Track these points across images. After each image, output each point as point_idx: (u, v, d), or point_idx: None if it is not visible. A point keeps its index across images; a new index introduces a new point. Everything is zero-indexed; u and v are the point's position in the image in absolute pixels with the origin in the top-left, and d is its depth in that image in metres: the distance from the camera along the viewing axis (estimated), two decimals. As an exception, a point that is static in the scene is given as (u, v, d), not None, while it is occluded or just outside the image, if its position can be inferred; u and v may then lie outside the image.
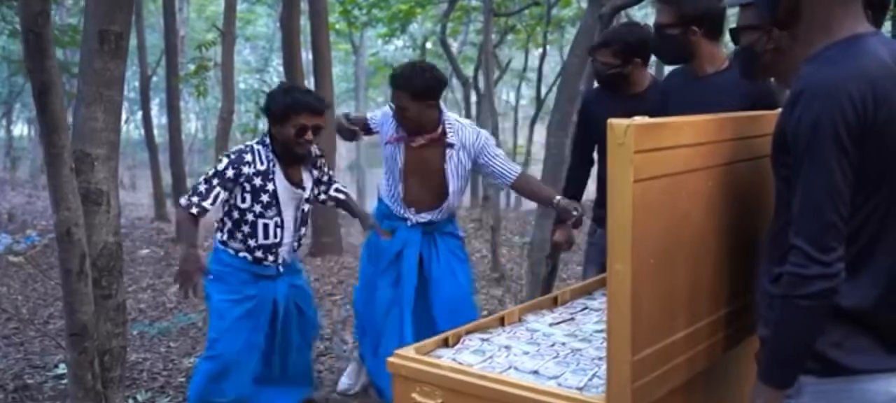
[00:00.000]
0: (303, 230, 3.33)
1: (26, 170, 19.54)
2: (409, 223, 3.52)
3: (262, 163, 3.13)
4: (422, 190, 3.48)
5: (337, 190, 3.50)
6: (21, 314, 5.73)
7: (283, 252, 3.26)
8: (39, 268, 7.36)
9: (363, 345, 3.74)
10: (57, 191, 2.54)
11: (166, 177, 10.74)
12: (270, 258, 3.22)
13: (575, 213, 3.19)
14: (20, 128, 23.59)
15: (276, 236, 3.19)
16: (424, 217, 3.51)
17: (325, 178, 3.46)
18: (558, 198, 3.29)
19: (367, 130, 3.66)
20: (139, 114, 14.72)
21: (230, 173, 3.08)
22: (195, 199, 3.06)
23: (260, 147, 3.16)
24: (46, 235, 8.86)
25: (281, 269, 3.27)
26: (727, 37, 3.01)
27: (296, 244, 3.33)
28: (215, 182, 3.07)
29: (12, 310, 5.81)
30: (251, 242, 3.17)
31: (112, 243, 2.83)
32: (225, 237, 3.22)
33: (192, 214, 3.06)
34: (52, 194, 2.56)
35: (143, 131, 12.85)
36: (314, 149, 3.28)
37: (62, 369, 4.20)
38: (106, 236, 2.80)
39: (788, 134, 1.49)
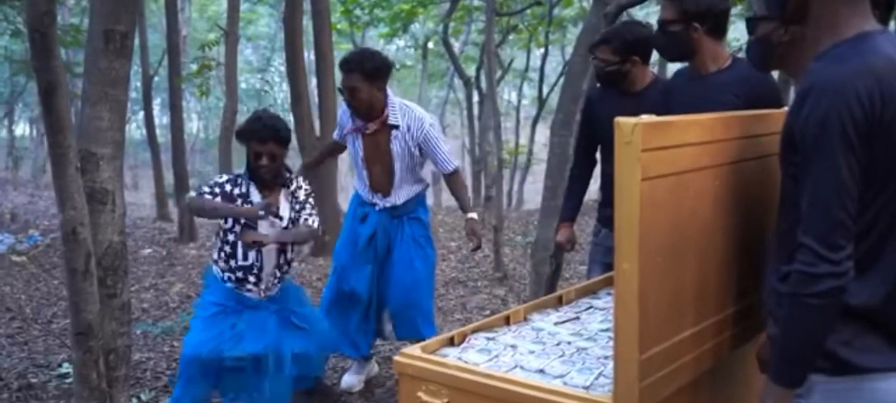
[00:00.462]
0: (283, 259, 3.42)
1: (28, 169, 19.57)
2: (377, 208, 3.76)
3: (243, 188, 3.35)
4: (381, 175, 3.72)
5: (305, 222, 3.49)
6: (24, 313, 5.73)
7: (265, 278, 3.37)
8: (42, 268, 7.37)
9: (334, 319, 3.86)
10: (62, 191, 2.54)
11: (168, 177, 10.74)
12: (252, 279, 3.35)
13: (473, 241, 3.66)
14: (22, 128, 23.63)
15: (256, 259, 3.33)
16: (389, 201, 3.74)
17: (305, 210, 3.47)
18: (471, 215, 3.67)
19: (340, 148, 3.98)
20: (141, 114, 14.73)
21: (227, 187, 3.33)
22: (205, 191, 3.33)
23: (243, 174, 3.40)
24: (49, 235, 8.87)
25: (263, 294, 3.39)
26: (729, 35, 3.02)
27: (278, 272, 3.42)
28: (216, 190, 3.33)
29: (16, 309, 5.82)
30: (232, 263, 3.34)
31: (117, 242, 2.83)
32: (215, 256, 3.41)
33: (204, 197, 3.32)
34: (57, 193, 2.57)
35: (144, 131, 12.85)
36: (297, 182, 3.45)
37: (66, 368, 4.21)
38: (111, 235, 2.80)
39: (796, 132, 1.49)
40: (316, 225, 3.45)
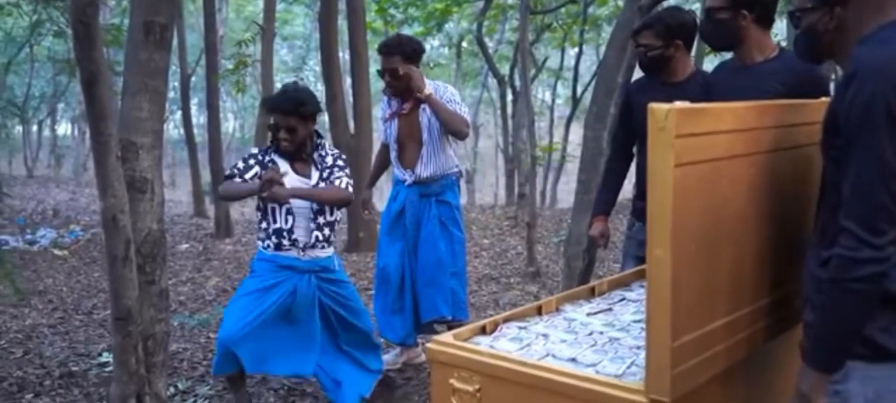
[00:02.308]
0: (321, 220, 3.45)
1: (70, 167, 20.01)
2: (406, 183, 4.03)
3: (266, 156, 3.48)
4: (412, 150, 4.02)
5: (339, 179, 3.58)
6: (66, 304, 5.87)
7: (300, 237, 3.42)
8: (83, 261, 7.53)
9: (376, 299, 4.13)
10: (103, 179, 2.60)
11: (205, 175, 10.90)
12: (286, 242, 3.42)
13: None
14: (64, 127, 24.15)
15: (286, 221, 3.42)
16: (414, 175, 3.99)
17: (333, 174, 3.51)
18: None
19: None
20: (179, 114, 14.96)
21: (258, 156, 3.48)
22: (234, 173, 3.44)
23: (270, 145, 3.54)
24: (89, 230, 9.06)
25: (302, 255, 3.44)
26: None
27: (316, 233, 3.44)
28: (251, 162, 3.45)
29: (58, 301, 5.96)
30: (266, 227, 3.45)
31: (156, 230, 2.89)
32: (259, 232, 3.51)
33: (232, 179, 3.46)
34: (99, 182, 2.63)
35: (182, 130, 13.06)
36: (325, 148, 3.52)
37: (106, 357, 4.30)
38: (150, 223, 2.86)
39: (841, 115, 1.47)
40: (343, 184, 3.46)
